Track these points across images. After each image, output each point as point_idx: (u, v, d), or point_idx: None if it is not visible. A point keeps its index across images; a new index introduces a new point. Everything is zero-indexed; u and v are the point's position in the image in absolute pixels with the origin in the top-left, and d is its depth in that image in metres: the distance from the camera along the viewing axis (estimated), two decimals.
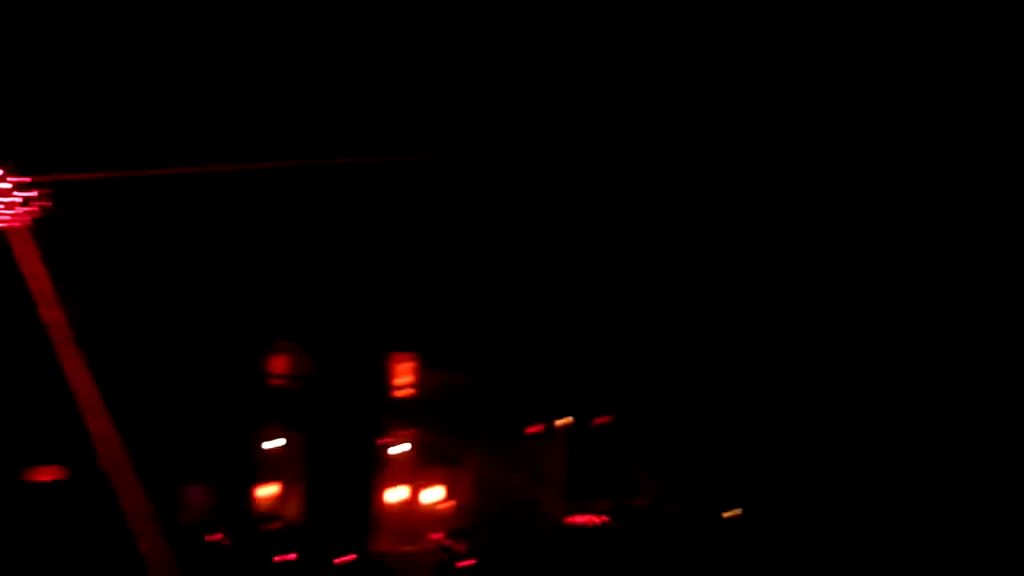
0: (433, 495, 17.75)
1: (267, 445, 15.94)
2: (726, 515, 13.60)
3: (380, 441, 15.31)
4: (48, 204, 9.43)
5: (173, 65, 8.05)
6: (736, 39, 7.66)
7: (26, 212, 9.80)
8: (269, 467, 16.33)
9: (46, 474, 11.13)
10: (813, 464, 12.76)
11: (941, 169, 8.91)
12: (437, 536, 15.79)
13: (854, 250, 11.12)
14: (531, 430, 15.84)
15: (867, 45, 7.38)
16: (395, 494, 17.61)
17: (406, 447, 17.74)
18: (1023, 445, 10.92)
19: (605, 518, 14.24)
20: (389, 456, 17.18)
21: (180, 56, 8.07)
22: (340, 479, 11.79)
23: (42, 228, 9.67)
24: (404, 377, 15.15)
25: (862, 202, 9.84)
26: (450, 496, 17.84)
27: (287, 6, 7.93)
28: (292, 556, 11.19)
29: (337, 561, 11.19)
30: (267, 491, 16.66)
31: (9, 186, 9.65)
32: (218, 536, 13.88)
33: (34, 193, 9.51)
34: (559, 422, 15.35)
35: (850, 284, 11.73)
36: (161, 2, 7.87)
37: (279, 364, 14.66)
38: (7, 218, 9.78)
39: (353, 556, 11.07)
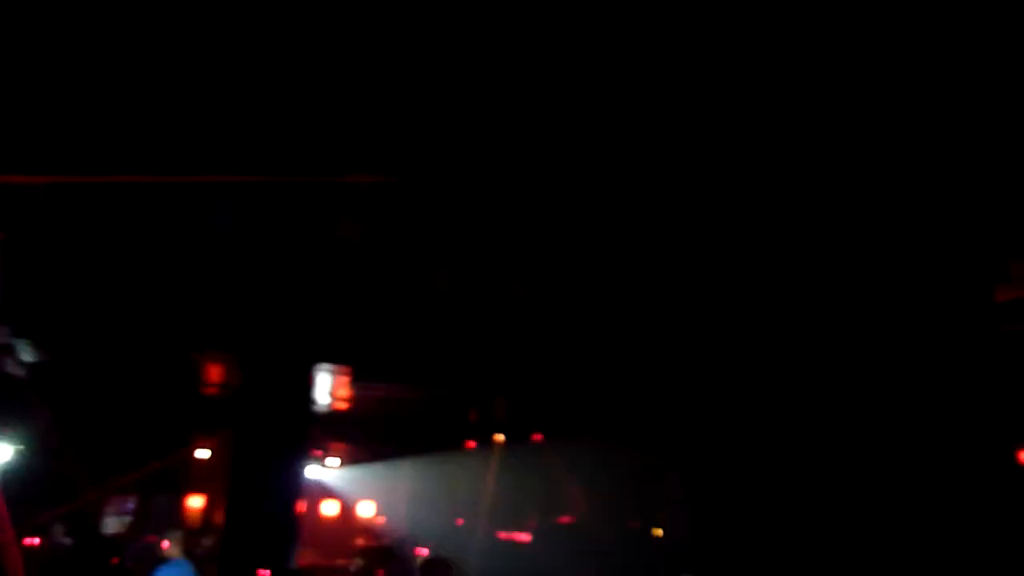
0: (364, 509, 17.66)
1: (196, 455, 15.70)
2: (655, 532, 13.74)
3: (311, 454, 15.19)
4: None
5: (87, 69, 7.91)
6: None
7: None
8: (196, 477, 16.08)
9: None
10: (742, 479, 12.90)
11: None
12: (365, 551, 15.66)
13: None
14: (466, 445, 15.86)
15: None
16: (325, 508, 17.47)
17: (336, 460, 17.65)
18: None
19: (532, 535, 14.28)
20: (320, 469, 17.05)
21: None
22: (268, 491, 11.61)
23: None
24: (338, 390, 15.05)
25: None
26: (381, 511, 17.76)
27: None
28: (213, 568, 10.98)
29: (260, 574, 11.00)
30: (194, 502, 16.40)
31: None
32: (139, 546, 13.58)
33: None
34: (493, 438, 15.38)
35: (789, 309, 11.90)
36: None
37: (209, 373, 14.46)
38: None
39: (273, 570, 10.89)
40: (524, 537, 13.78)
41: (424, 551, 14.56)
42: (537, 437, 14.98)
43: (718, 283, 12.21)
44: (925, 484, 11.58)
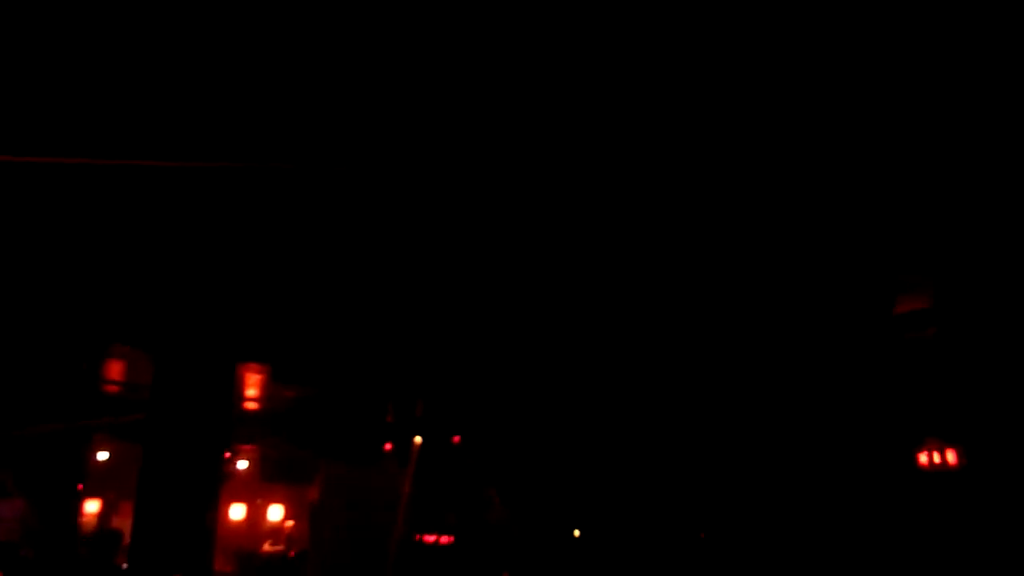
0: (275, 512, 17.17)
1: (97, 456, 14.89)
2: (576, 534, 13.84)
3: (222, 455, 14.63)
4: None
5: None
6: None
7: None
8: (97, 479, 15.25)
9: None
10: (664, 478, 13.15)
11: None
12: (276, 554, 15.24)
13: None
14: (383, 447, 15.60)
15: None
16: (234, 511, 16.89)
17: (246, 463, 17.09)
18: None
19: (452, 536, 14.17)
20: (230, 471, 16.46)
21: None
22: (176, 494, 11.09)
23: None
24: (252, 389, 14.59)
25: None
26: (293, 514, 17.31)
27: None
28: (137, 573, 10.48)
29: None
30: (93, 505, 15.56)
31: None
32: (31, 554, 12.78)
33: None
34: (412, 440, 15.19)
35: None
36: None
37: (115, 370, 13.79)
38: None
39: (183, 574, 10.44)
40: (445, 539, 13.68)
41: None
42: (456, 439, 14.89)
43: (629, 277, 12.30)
44: (824, 487, 12.08)
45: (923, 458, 11.81)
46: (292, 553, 14.77)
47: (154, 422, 11.21)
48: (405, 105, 8.84)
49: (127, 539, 11.96)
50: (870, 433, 12.08)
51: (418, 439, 14.92)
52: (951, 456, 11.63)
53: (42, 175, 8.96)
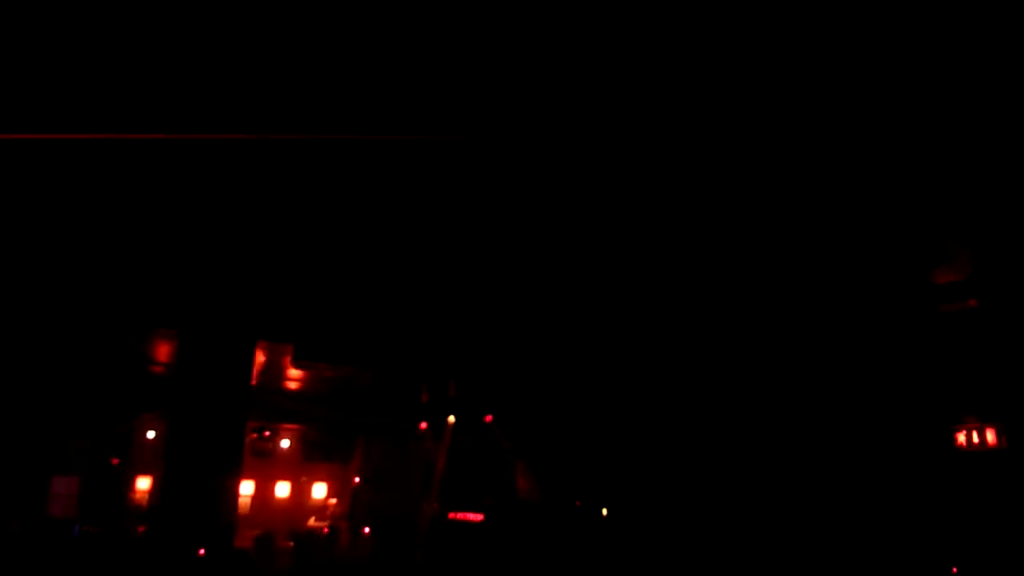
0: (319, 490, 17.57)
1: (143, 435, 15.49)
2: (605, 512, 13.72)
3: (243, 432, 15.02)
4: None
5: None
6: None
7: None
8: (142, 457, 15.87)
9: None
10: (698, 463, 12.93)
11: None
12: (316, 530, 15.58)
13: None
14: (418, 427, 15.77)
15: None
16: (277, 489, 17.35)
17: (287, 442, 17.51)
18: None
19: (485, 514, 14.20)
20: (274, 450, 16.91)
21: None
22: (214, 472, 11.43)
23: None
24: (289, 370, 14.89)
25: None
26: (332, 491, 17.67)
27: None
28: (160, 548, 10.87)
29: (202, 553, 10.87)
30: (140, 482, 16.21)
31: None
32: (86, 528, 13.40)
33: None
34: (445, 419, 15.29)
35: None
36: None
37: (156, 352, 14.25)
38: None
39: (217, 549, 10.76)
40: (476, 517, 13.72)
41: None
42: (488, 418, 14.92)
43: (655, 266, 12.11)
44: (859, 467, 11.64)
45: (961, 437, 11.26)
46: (326, 530, 15.09)
47: (177, 399, 11.58)
48: (445, 83, 8.83)
49: None
50: (906, 411, 11.58)
51: (451, 418, 15.01)
52: (990, 435, 11.05)
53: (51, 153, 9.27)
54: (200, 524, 10.83)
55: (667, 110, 8.78)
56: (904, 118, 8.83)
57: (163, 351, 14.51)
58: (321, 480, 17.49)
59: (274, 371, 14.31)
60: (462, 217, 11.71)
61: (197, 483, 10.93)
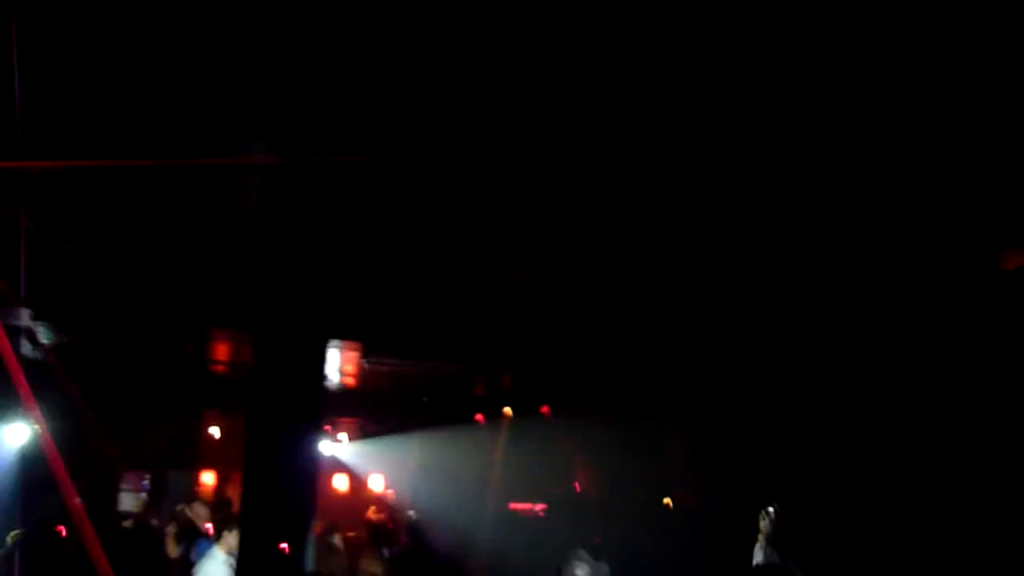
0: (374, 483, 17.89)
1: (207, 432, 15.87)
2: (666, 502, 13.92)
3: (319, 429, 15.33)
4: None
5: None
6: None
7: None
8: (207, 454, 16.26)
9: None
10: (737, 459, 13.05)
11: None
12: (378, 523, 15.87)
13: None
14: (474, 419, 16.04)
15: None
16: (335, 482, 17.70)
17: (345, 435, 17.84)
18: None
19: (545, 505, 14.48)
20: (332, 445, 17.24)
21: None
22: (285, 468, 11.70)
23: None
24: (347, 365, 15.16)
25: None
26: (390, 484, 17.99)
27: None
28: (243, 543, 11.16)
29: (281, 546, 11.16)
30: (207, 477, 16.59)
31: None
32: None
33: None
34: (502, 411, 15.54)
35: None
36: None
37: (220, 351, 14.56)
38: None
39: (291, 545, 11.04)
40: (538, 507, 13.97)
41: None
42: (544, 409, 15.15)
43: (721, 253, 12.19)
44: (926, 467, 11.56)
45: None
46: (391, 524, 15.39)
47: (255, 400, 11.84)
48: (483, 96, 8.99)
49: (235, 507, 12.73)
50: (976, 407, 11.47)
51: (508, 410, 15.25)
52: None
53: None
54: (283, 519, 11.10)
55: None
56: (966, 97, 8.84)
57: (222, 351, 14.85)
58: (376, 472, 17.83)
59: (337, 368, 14.61)
60: (513, 214, 11.85)
61: (278, 479, 11.19)
